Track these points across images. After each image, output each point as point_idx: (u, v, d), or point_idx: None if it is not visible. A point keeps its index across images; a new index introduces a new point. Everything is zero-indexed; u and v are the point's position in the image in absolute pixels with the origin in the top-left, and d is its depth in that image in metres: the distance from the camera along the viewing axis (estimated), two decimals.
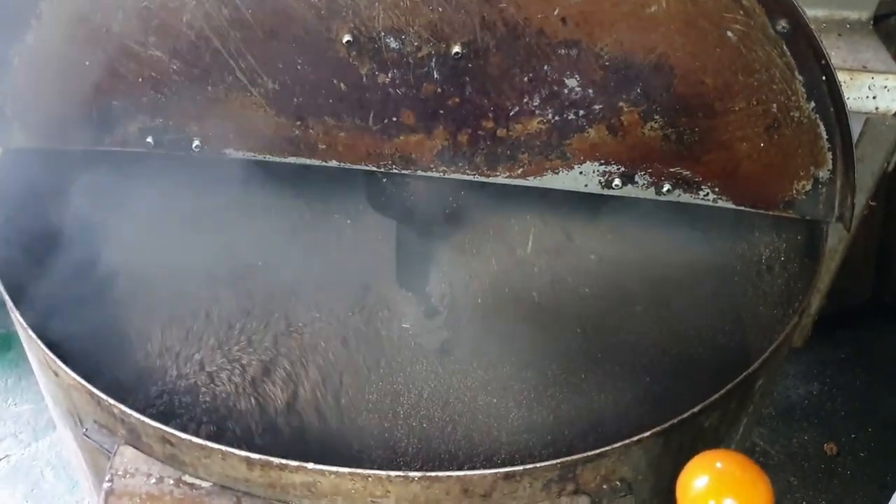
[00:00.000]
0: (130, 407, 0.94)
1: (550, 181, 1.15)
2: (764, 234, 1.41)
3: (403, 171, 1.18)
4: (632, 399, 1.29)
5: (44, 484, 1.98)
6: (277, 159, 1.19)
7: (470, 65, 1.06)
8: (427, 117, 1.12)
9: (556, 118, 1.09)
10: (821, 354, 2.35)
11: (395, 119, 1.12)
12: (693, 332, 1.41)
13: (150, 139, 1.20)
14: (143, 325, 1.38)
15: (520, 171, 1.15)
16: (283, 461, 0.88)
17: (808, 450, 2.13)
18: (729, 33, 0.99)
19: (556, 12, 1.00)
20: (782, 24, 0.96)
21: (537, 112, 1.09)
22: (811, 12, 1.40)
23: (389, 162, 1.17)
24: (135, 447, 0.98)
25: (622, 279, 1.49)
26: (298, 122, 1.15)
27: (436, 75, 1.08)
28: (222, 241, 1.55)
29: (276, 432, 1.26)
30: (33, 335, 1.03)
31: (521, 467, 0.88)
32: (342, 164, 1.18)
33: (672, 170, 1.12)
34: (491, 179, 1.16)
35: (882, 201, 1.97)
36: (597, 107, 1.07)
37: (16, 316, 1.07)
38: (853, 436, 2.16)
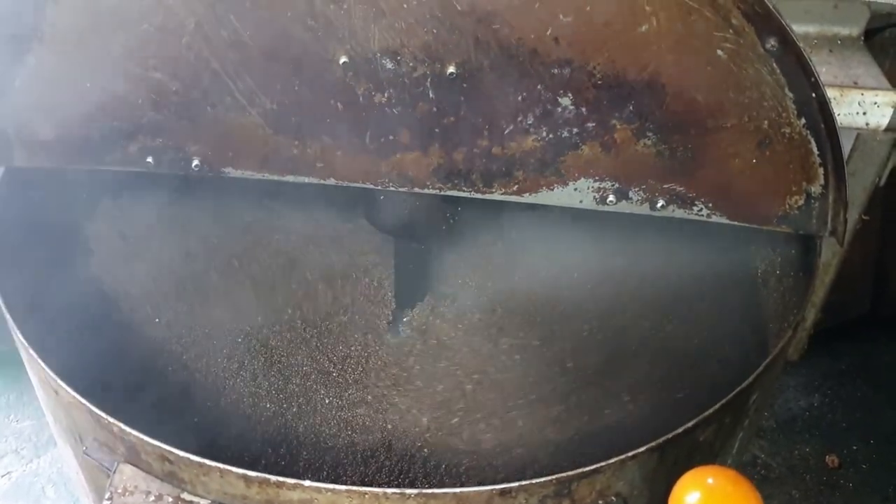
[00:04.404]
0: (129, 425, 0.95)
1: (546, 198, 1.16)
2: (759, 249, 1.42)
3: (400, 189, 1.19)
4: (627, 414, 1.29)
5: (45, 501, 1.98)
6: (276, 178, 1.21)
7: (465, 84, 1.07)
8: (423, 136, 1.13)
9: (550, 136, 1.10)
10: (821, 367, 2.35)
11: (391, 138, 1.14)
12: (689, 347, 1.41)
13: (150, 159, 1.21)
14: (143, 343, 1.39)
15: (515, 187, 1.16)
16: (281, 478, 0.89)
17: (809, 462, 2.13)
18: (719, 52, 1.00)
19: (548, 32, 1.01)
20: (772, 42, 0.98)
21: (531, 130, 1.10)
22: (802, 28, 1.42)
23: (386, 180, 1.18)
24: (134, 465, 0.98)
25: (616, 295, 1.50)
26: (296, 142, 1.16)
27: (431, 95, 1.09)
28: (223, 255, 1.56)
29: (275, 445, 1.27)
30: (33, 353, 1.04)
31: (516, 484, 0.89)
32: (340, 183, 1.19)
33: (666, 186, 1.13)
34: (487, 196, 1.17)
35: (878, 216, 1.98)
36: (590, 124, 1.09)
37: (16, 334, 1.08)
38: (855, 448, 2.15)
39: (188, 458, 0.92)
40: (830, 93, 1.02)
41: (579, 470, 0.90)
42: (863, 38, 1.46)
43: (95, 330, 1.35)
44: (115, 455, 1.00)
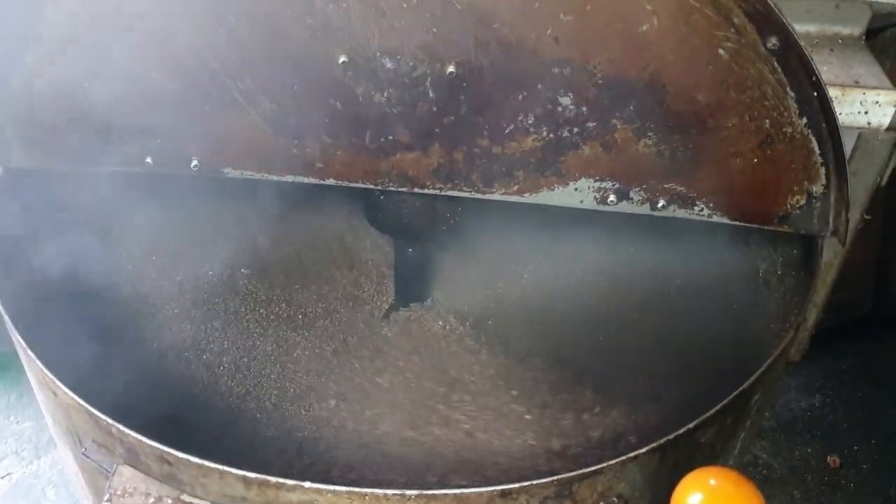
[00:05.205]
0: (129, 426, 0.94)
1: (546, 198, 1.16)
2: (760, 249, 1.41)
3: (400, 189, 1.18)
4: (628, 414, 1.29)
5: (45, 502, 1.98)
6: (276, 178, 1.20)
7: (465, 84, 1.07)
8: (423, 135, 1.13)
9: (551, 136, 1.10)
10: (822, 367, 2.35)
11: (391, 137, 1.13)
12: (691, 347, 1.41)
13: (149, 159, 1.21)
14: (142, 344, 1.39)
15: (515, 187, 1.16)
16: (280, 480, 0.88)
17: (810, 463, 2.12)
18: (720, 51, 1.00)
19: (548, 32, 1.01)
20: (773, 41, 0.98)
21: (532, 130, 1.10)
22: (803, 28, 1.42)
23: (386, 180, 1.18)
24: (133, 466, 0.98)
25: (616, 295, 1.49)
26: (296, 142, 1.16)
27: (431, 94, 1.09)
28: (223, 257, 1.56)
29: (278, 449, 1.26)
30: (32, 355, 1.04)
31: (517, 485, 0.88)
32: (339, 183, 1.19)
33: (666, 186, 1.13)
34: (487, 196, 1.17)
35: (880, 215, 1.97)
36: (590, 124, 1.08)
37: (15, 335, 1.08)
38: (856, 448, 2.15)
39: (187, 460, 0.91)
40: (832, 92, 1.02)
41: (580, 471, 0.90)
42: (864, 37, 1.46)
43: (95, 331, 1.34)
44: (114, 457, 1.00)
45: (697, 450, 1.00)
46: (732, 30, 0.98)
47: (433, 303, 1.50)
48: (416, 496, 0.87)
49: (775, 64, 1.00)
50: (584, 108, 1.07)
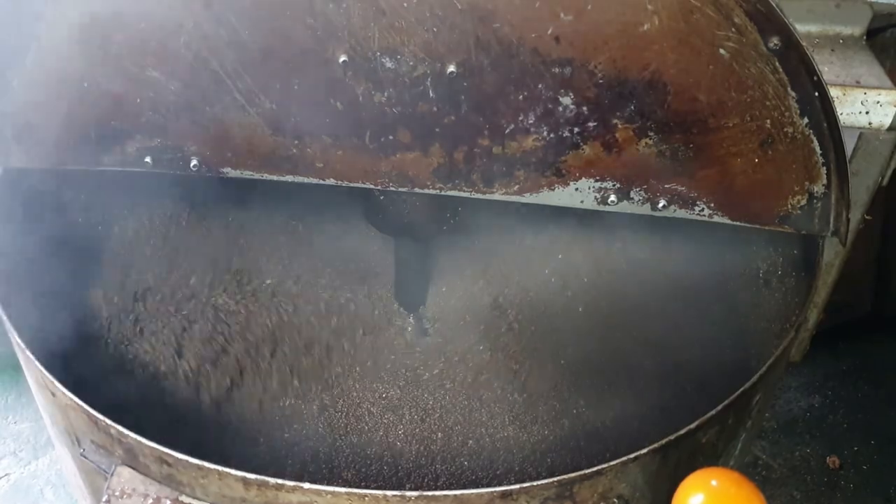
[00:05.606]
0: (127, 427, 0.94)
1: (546, 198, 1.16)
2: (761, 249, 1.41)
3: (400, 189, 1.18)
4: (629, 415, 1.28)
5: (43, 503, 1.98)
6: (275, 178, 1.20)
7: (465, 83, 1.07)
8: (423, 135, 1.12)
9: (551, 135, 1.09)
10: (822, 367, 2.35)
11: (391, 137, 1.13)
12: (691, 348, 1.41)
13: (148, 159, 1.20)
14: (141, 344, 1.38)
15: (516, 187, 1.16)
16: (280, 481, 0.88)
17: (810, 463, 2.13)
18: (721, 51, 1.00)
19: (549, 31, 1.01)
20: (774, 41, 0.97)
21: (532, 129, 1.09)
22: (804, 28, 1.42)
23: (386, 180, 1.18)
24: (132, 467, 0.98)
25: (619, 295, 1.49)
26: (296, 142, 1.16)
27: (431, 94, 1.08)
28: (223, 257, 1.56)
29: (275, 447, 1.26)
30: (30, 355, 1.04)
31: (517, 486, 0.88)
32: (340, 183, 1.19)
33: (667, 186, 1.12)
34: (487, 196, 1.17)
35: (880, 215, 1.97)
36: (591, 124, 1.08)
37: (13, 335, 1.08)
38: (856, 449, 2.15)
39: (186, 461, 0.91)
40: (833, 92, 1.02)
41: (581, 472, 0.90)
42: (865, 37, 1.46)
43: (94, 332, 1.34)
44: (113, 457, 0.99)
45: (699, 450, 1.00)
46: (733, 29, 0.98)
47: (433, 302, 1.50)
48: (417, 497, 0.87)
49: (776, 64, 0.99)
50: (585, 108, 1.07)
